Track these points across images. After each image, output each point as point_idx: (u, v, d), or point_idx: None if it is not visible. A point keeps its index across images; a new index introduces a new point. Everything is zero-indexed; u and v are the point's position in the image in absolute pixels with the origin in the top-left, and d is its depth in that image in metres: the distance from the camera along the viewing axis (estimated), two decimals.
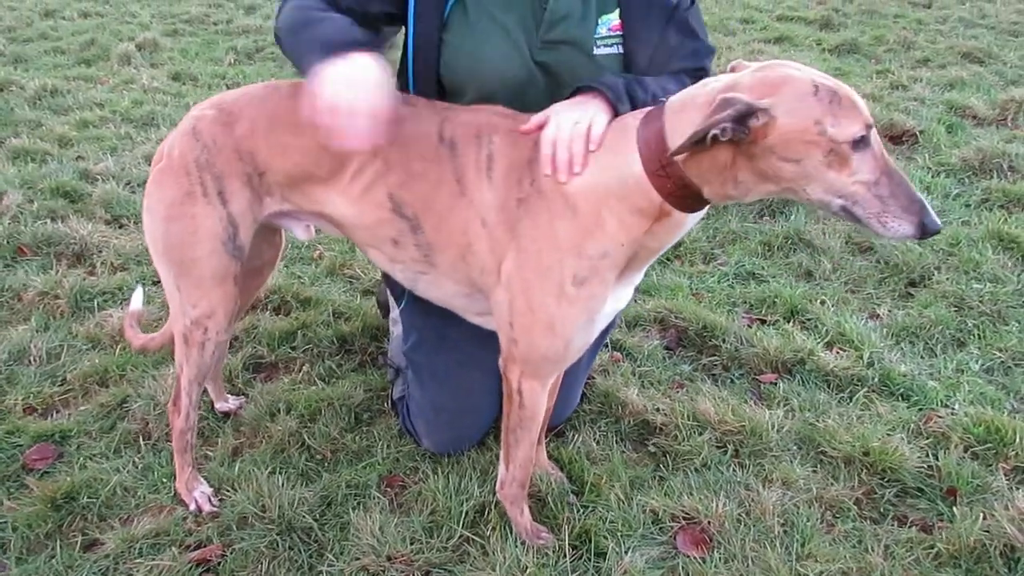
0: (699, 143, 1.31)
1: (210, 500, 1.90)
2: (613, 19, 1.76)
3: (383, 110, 1.45)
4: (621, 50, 1.77)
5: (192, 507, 1.89)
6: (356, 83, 1.44)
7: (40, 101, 4.71)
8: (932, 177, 3.71)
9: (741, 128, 1.29)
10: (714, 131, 1.28)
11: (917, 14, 7.06)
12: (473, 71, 1.77)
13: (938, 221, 1.32)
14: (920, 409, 2.27)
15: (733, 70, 1.44)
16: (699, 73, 1.71)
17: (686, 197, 1.42)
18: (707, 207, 1.49)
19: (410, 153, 1.60)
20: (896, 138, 4.16)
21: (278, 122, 1.65)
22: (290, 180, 1.68)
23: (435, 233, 1.62)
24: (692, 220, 1.51)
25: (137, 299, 2.14)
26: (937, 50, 5.85)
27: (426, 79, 1.81)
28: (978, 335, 2.63)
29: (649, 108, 1.50)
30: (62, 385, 2.32)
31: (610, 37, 1.77)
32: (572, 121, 1.51)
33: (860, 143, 1.29)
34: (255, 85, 1.77)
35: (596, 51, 1.76)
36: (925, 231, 1.31)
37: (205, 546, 1.79)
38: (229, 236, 1.68)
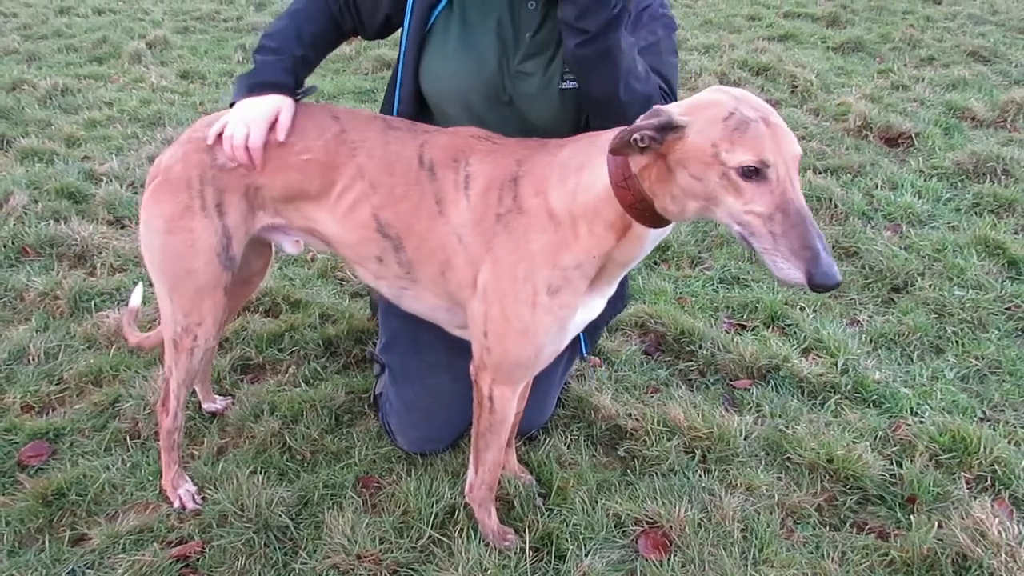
0: (628, 146, 1.38)
1: (194, 498, 1.99)
2: None
3: (259, 147, 1.73)
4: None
5: (176, 504, 1.97)
6: (252, 121, 1.71)
7: (51, 100, 4.82)
8: (924, 181, 3.72)
9: (658, 138, 1.36)
10: (635, 135, 1.36)
11: (927, 10, 7.02)
12: (442, 86, 1.85)
13: (834, 275, 1.25)
14: (890, 417, 2.31)
15: None
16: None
17: (644, 210, 1.49)
18: (665, 225, 1.54)
19: (393, 176, 1.70)
20: (891, 140, 4.16)
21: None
22: (284, 195, 1.78)
23: (416, 251, 1.71)
24: (655, 235, 1.57)
25: (136, 297, 2.23)
26: (943, 48, 5.82)
27: (410, 93, 1.90)
28: (956, 342, 2.66)
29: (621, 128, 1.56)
30: (59, 384, 2.41)
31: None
32: None
33: (753, 174, 1.31)
34: None
35: (562, 85, 1.82)
36: (813, 282, 1.25)
37: (186, 542, 1.87)
38: (223, 247, 1.77)
